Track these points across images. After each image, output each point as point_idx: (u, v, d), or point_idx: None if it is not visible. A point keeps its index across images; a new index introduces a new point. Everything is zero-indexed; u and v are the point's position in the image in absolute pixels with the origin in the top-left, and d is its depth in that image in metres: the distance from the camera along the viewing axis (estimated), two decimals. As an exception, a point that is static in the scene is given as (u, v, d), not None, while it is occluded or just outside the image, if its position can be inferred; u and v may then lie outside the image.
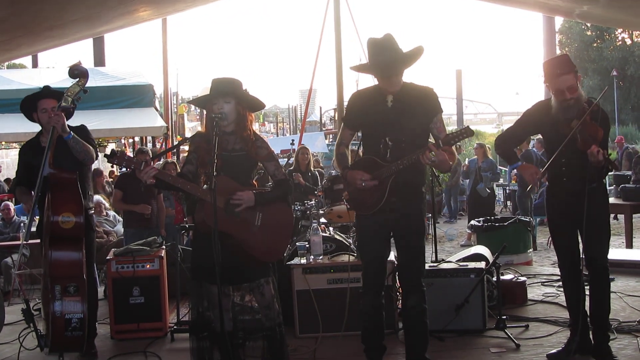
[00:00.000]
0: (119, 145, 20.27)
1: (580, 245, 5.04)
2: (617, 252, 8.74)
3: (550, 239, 11.92)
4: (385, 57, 4.61)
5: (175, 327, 6.15)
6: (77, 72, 5.26)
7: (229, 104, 4.49)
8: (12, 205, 10.65)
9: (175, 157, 15.47)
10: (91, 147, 5.42)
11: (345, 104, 9.61)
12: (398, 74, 4.69)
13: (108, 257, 6.35)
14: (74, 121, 5.57)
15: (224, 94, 4.49)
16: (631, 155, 16.99)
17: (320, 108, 50.63)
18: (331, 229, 6.89)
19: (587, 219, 4.77)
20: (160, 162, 10.05)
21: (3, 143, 18.40)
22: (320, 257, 6.12)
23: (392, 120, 4.67)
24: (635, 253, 8.81)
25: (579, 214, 4.82)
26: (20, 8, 6.49)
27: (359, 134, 5.11)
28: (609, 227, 5.06)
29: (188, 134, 29.08)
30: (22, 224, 10.39)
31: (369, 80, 5.39)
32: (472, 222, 9.58)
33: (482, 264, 6.20)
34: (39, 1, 6.50)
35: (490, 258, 6.78)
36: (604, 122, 4.82)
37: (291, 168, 9.78)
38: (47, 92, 5.50)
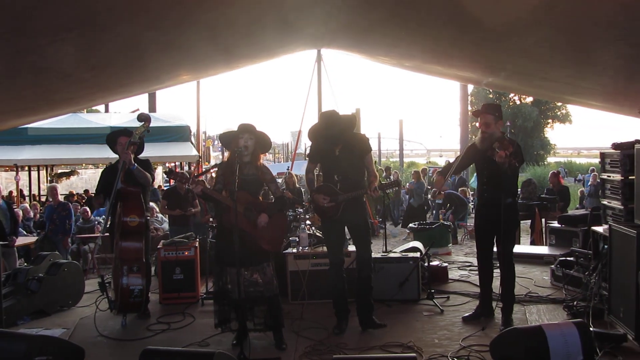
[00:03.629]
0: (164, 168, 20.17)
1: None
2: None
3: (464, 236, 12.12)
4: (334, 131, 4.87)
5: (204, 295, 6.15)
6: (143, 117, 5.34)
7: (252, 139, 4.59)
8: (89, 209, 10.64)
9: (203, 176, 15.46)
10: (149, 175, 5.44)
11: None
12: (342, 141, 4.92)
13: (158, 247, 6.34)
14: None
15: (250, 132, 4.60)
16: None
17: (305, 144, 50.35)
18: (313, 228, 6.93)
19: (504, 226, 4.78)
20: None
21: (83, 165, 18.32)
22: (306, 248, 6.17)
23: (340, 165, 4.93)
24: (518, 247, 8.88)
25: (497, 222, 4.83)
26: (99, 71, 6.46)
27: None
28: (517, 232, 5.07)
29: (212, 161, 28.97)
30: (96, 222, 10.34)
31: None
32: (410, 224, 9.67)
33: (417, 254, 6.26)
34: (113, 66, 6.49)
35: (423, 250, 6.86)
36: (518, 148, 4.75)
37: (283, 188, 9.94)
38: (124, 132, 5.57)
